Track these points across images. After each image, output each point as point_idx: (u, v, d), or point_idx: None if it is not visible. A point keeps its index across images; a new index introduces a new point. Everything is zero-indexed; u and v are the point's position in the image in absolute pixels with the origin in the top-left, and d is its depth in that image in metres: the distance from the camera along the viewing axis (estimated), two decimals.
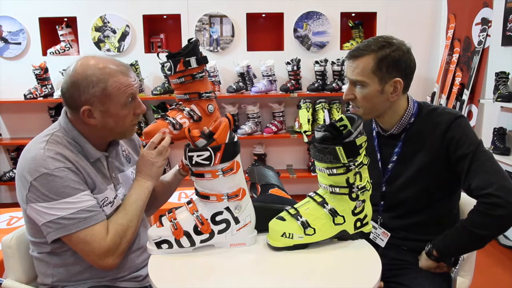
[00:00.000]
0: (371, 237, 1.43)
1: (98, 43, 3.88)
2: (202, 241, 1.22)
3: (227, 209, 1.21)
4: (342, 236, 1.26)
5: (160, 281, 1.08)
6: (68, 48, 3.89)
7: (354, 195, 1.22)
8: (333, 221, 1.23)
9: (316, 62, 3.83)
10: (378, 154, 1.49)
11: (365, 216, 1.27)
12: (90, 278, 1.28)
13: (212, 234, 1.22)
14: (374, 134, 1.51)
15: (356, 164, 1.19)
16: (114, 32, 3.87)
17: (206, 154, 1.14)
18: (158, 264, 1.17)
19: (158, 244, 1.21)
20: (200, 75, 1.31)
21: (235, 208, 1.22)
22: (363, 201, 1.26)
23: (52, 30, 3.92)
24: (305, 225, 1.21)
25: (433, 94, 3.89)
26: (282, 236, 1.21)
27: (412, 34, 3.84)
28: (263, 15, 4.08)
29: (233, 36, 3.93)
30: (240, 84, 3.81)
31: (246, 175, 1.55)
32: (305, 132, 3.72)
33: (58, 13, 3.83)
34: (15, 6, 3.79)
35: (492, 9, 3.24)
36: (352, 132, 1.18)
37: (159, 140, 1.31)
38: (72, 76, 1.20)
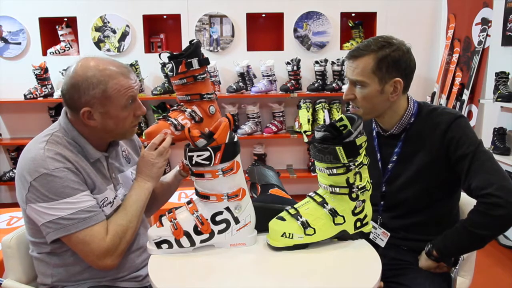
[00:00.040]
0: (371, 237, 1.43)
1: (98, 43, 3.88)
2: (202, 241, 1.22)
3: (227, 209, 1.21)
4: (342, 236, 1.26)
5: (160, 281, 1.08)
6: (68, 48, 3.89)
7: (354, 195, 1.22)
8: (333, 221, 1.23)
9: (316, 62, 3.83)
10: (378, 154, 1.49)
11: (365, 216, 1.27)
12: (90, 278, 1.28)
13: (212, 234, 1.22)
14: (374, 134, 1.51)
15: (356, 164, 1.19)
16: (114, 32, 3.87)
17: (206, 154, 1.14)
18: (158, 264, 1.17)
19: (158, 244, 1.21)
20: (201, 76, 1.32)
21: (235, 208, 1.22)
22: (363, 201, 1.26)
23: (52, 30, 3.92)
24: (305, 225, 1.21)
25: (433, 94, 3.89)
26: (282, 236, 1.21)
27: (412, 34, 3.84)
28: (263, 15, 4.08)
29: (233, 36, 3.93)
30: (240, 84, 3.81)
31: (246, 175, 1.55)
32: (305, 132, 3.72)
33: (58, 13, 3.83)
34: (15, 6, 3.79)
35: (492, 9, 3.24)
36: (352, 132, 1.18)
37: (160, 141, 1.31)
38: (72, 77, 1.20)
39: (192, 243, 1.21)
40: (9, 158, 4.01)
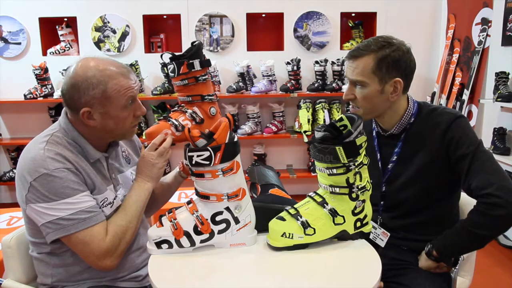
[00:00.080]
0: (371, 237, 1.43)
1: (98, 43, 3.88)
2: (202, 241, 1.22)
3: (227, 209, 1.21)
4: (342, 236, 1.26)
5: (160, 281, 1.08)
6: (68, 48, 3.89)
7: (354, 195, 1.22)
8: (333, 221, 1.23)
9: (316, 62, 3.83)
10: (378, 154, 1.49)
11: (365, 216, 1.27)
12: (89, 278, 1.28)
13: (212, 234, 1.22)
14: (374, 134, 1.51)
15: (356, 164, 1.19)
16: (114, 32, 3.87)
17: (206, 154, 1.14)
18: (158, 264, 1.17)
19: (158, 244, 1.21)
20: (203, 77, 1.32)
21: (235, 208, 1.22)
22: (363, 201, 1.26)
23: (52, 30, 3.92)
24: (305, 225, 1.21)
25: (433, 94, 3.89)
26: (282, 236, 1.21)
27: (412, 34, 3.84)
28: (263, 15, 4.08)
29: (233, 36, 3.93)
30: (240, 84, 3.81)
31: (246, 175, 1.55)
32: (305, 132, 3.72)
33: (58, 13, 3.83)
34: (15, 6, 3.79)
35: (492, 9, 3.24)
36: (352, 132, 1.18)
37: (161, 141, 1.31)
38: (72, 77, 1.20)
39: (192, 243, 1.21)
40: (9, 158, 4.01)
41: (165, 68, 3.63)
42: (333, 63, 3.85)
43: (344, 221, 1.24)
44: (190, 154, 1.15)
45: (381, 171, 1.47)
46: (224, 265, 1.18)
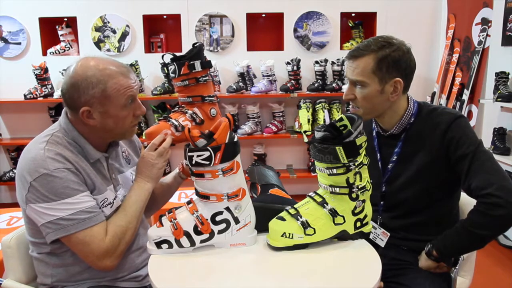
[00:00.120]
0: (371, 237, 1.43)
1: (98, 43, 3.88)
2: (202, 241, 1.22)
3: (227, 209, 1.21)
4: (342, 236, 1.26)
5: (160, 281, 1.08)
6: (68, 48, 3.89)
7: (354, 195, 1.22)
8: (333, 221, 1.23)
9: (316, 62, 3.83)
10: (378, 154, 1.49)
11: (365, 216, 1.27)
12: (89, 278, 1.28)
13: (212, 234, 1.22)
14: (374, 134, 1.51)
15: (356, 164, 1.19)
16: (114, 32, 3.87)
17: (206, 154, 1.14)
18: (158, 264, 1.17)
19: (158, 244, 1.21)
20: (204, 78, 1.32)
21: (235, 208, 1.22)
22: (363, 201, 1.26)
23: (52, 30, 3.92)
24: (305, 225, 1.21)
25: (433, 94, 3.89)
26: (282, 236, 1.21)
27: (412, 34, 3.84)
28: (263, 15, 4.08)
29: (233, 36, 3.93)
30: (240, 84, 3.81)
31: (246, 175, 1.55)
32: (305, 132, 3.72)
33: (58, 13, 3.83)
34: (15, 6, 3.79)
35: (492, 9, 3.24)
36: (352, 132, 1.18)
37: (160, 141, 1.31)
38: (72, 77, 1.20)
39: (192, 243, 1.21)
40: (9, 158, 4.01)
41: (165, 68, 3.63)
42: (333, 63, 3.85)
43: (344, 221, 1.24)
44: (190, 154, 1.15)
45: (381, 171, 1.47)
46: (224, 265, 1.18)
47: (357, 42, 4.01)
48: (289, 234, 1.21)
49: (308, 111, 3.82)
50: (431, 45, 4.08)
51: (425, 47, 4.06)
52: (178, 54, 1.33)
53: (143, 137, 1.35)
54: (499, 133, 3.00)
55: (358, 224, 1.27)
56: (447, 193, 1.41)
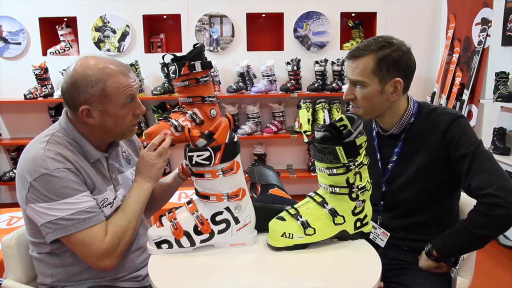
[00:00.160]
0: (371, 237, 1.43)
1: (98, 43, 3.88)
2: (202, 241, 1.22)
3: (227, 209, 1.21)
4: (342, 236, 1.26)
5: (160, 281, 1.08)
6: (68, 48, 3.89)
7: (354, 195, 1.22)
8: (333, 221, 1.23)
9: (316, 62, 3.83)
10: (378, 154, 1.49)
11: (365, 216, 1.27)
12: (89, 278, 1.28)
13: (212, 234, 1.22)
14: (374, 134, 1.51)
15: (356, 164, 1.19)
16: (114, 32, 3.87)
17: (206, 154, 1.14)
18: (158, 264, 1.17)
19: (158, 244, 1.21)
20: (204, 79, 1.32)
21: (235, 208, 1.22)
22: (363, 201, 1.26)
23: (52, 30, 3.92)
24: (305, 225, 1.21)
25: (433, 94, 3.89)
26: (282, 236, 1.21)
27: (412, 34, 3.84)
28: (263, 15, 4.08)
29: (233, 36, 3.93)
30: (240, 84, 3.81)
31: (246, 175, 1.55)
32: (305, 132, 3.72)
33: (58, 13, 3.83)
34: (15, 6, 3.79)
35: (492, 9, 3.24)
36: (352, 132, 1.18)
37: (160, 141, 1.31)
38: (72, 76, 1.20)
39: (192, 243, 1.21)
40: (9, 158, 4.01)
41: (165, 68, 3.63)
42: (333, 63, 3.85)
43: (344, 221, 1.24)
44: (190, 154, 1.15)
45: (381, 171, 1.47)
46: (224, 265, 1.18)
47: (357, 42, 4.01)
48: (289, 234, 1.21)
49: (308, 111, 3.82)
50: (431, 45, 4.08)
51: (425, 47, 4.06)
52: (178, 54, 1.33)
53: (143, 137, 1.35)
54: (499, 133, 3.00)
55: (358, 224, 1.27)
56: (447, 193, 1.41)
